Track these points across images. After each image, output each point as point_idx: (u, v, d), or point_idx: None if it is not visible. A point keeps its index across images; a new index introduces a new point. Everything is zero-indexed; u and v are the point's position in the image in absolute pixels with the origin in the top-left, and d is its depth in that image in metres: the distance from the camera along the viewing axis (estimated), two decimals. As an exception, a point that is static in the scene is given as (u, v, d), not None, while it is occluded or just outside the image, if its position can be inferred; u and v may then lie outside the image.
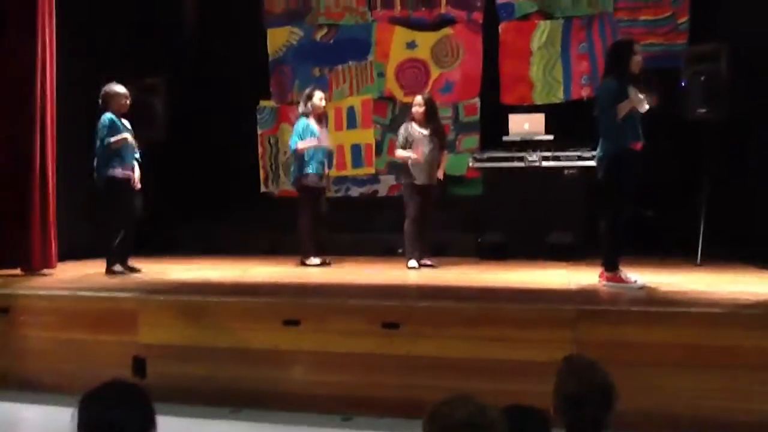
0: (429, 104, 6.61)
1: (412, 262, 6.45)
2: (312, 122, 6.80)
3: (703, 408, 3.82)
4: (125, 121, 6.21)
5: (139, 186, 6.16)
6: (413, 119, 6.59)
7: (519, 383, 3.84)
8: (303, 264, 6.70)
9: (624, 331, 4.00)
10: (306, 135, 6.75)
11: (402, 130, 6.62)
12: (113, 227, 6.06)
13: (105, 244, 6.11)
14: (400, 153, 6.56)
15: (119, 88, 6.17)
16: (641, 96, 4.95)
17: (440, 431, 1.79)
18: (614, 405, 2.28)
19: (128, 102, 6.21)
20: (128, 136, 6.07)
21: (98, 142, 5.98)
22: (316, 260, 6.70)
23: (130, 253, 6.25)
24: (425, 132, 6.52)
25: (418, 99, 6.64)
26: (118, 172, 5.99)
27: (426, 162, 6.47)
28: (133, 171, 6.12)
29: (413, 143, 6.48)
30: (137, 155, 6.23)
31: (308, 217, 6.71)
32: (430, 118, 6.58)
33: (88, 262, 6.93)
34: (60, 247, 6.21)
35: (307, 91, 7.02)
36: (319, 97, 6.85)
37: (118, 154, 6.00)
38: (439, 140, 6.63)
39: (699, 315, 4.07)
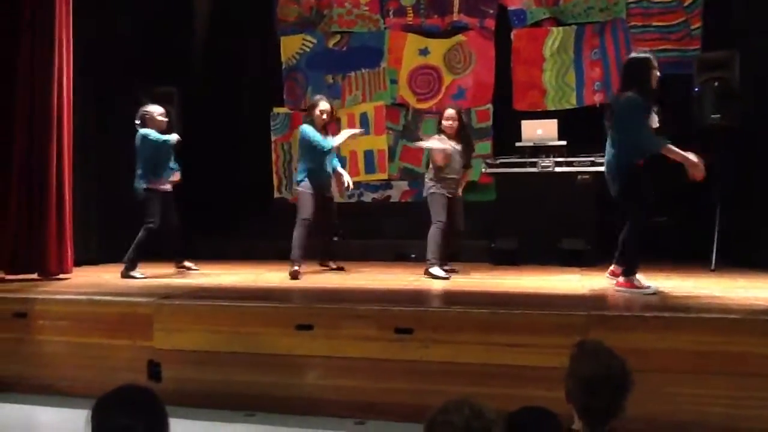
0: (461, 118, 6.45)
1: (438, 270, 6.11)
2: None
3: (713, 415, 3.82)
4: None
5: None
6: (443, 132, 6.32)
7: (531, 389, 3.85)
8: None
9: (636, 336, 3.99)
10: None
11: (438, 139, 6.32)
12: (143, 234, 6.37)
13: (132, 248, 6.38)
14: (427, 144, 6.36)
15: (155, 108, 6.58)
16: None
17: None
18: (630, 391, 2.25)
19: (164, 119, 6.61)
20: (171, 138, 6.50)
21: (139, 156, 6.40)
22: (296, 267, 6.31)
23: (185, 256, 6.83)
24: (458, 147, 6.29)
25: (452, 113, 6.38)
26: (154, 183, 6.40)
27: (455, 176, 6.29)
28: (168, 181, 6.59)
29: (450, 157, 6.22)
30: (173, 165, 6.69)
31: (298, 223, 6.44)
32: (460, 132, 6.37)
33: (103, 267, 7.01)
34: (76, 252, 6.29)
35: (313, 99, 6.77)
36: (319, 110, 6.45)
37: (154, 166, 6.41)
38: (466, 156, 6.47)
39: (712, 321, 4.06)
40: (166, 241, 6.66)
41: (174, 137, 6.56)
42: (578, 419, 2.29)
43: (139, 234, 6.36)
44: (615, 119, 5.09)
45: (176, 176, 6.82)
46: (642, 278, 5.13)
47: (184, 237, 6.87)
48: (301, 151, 6.58)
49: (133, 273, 6.22)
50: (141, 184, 6.37)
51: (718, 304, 4.53)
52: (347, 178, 6.70)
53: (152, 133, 6.41)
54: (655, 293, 4.96)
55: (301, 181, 6.46)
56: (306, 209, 6.38)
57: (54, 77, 6.00)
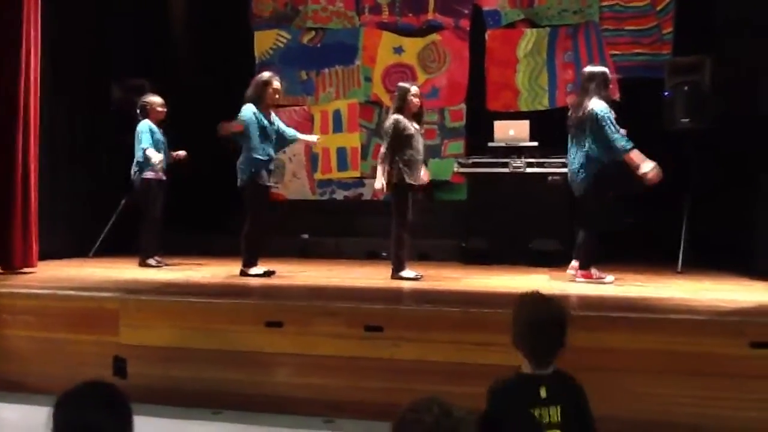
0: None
1: (410, 273, 5.88)
2: (259, 111, 6.02)
3: (679, 415, 3.85)
4: (159, 130, 6.84)
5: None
6: (401, 111, 5.82)
7: (500, 387, 3.85)
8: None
9: (603, 337, 4.02)
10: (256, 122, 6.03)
11: (395, 121, 5.75)
12: (147, 224, 6.71)
13: (142, 239, 6.78)
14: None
15: (156, 99, 6.83)
16: None
17: None
18: (567, 328, 2.59)
19: (164, 110, 6.86)
20: (160, 159, 6.67)
21: (138, 147, 6.67)
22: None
23: (160, 248, 6.88)
24: (417, 127, 5.89)
25: (417, 90, 5.92)
26: (150, 174, 6.67)
27: (421, 160, 5.88)
28: (162, 171, 6.82)
29: (408, 138, 5.73)
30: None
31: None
32: (419, 111, 5.98)
33: (69, 261, 6.92)
34: (41, 245, 6.18)
35: (263, 76, 6.10)
36: (273, 87, 6.01)
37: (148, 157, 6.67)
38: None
39: (679, 322, 4.10)
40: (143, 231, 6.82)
41: (158, 157, 6.67)
42: (526, 361, 2.58)
43: (144, 225, 6.72)
44: (588, 126, 5.46)
45: (180, 154, 7.07)
46: (596, 271, 5.63)
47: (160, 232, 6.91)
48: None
49: (149, 261, 6.67)
50: (140, 175, 6.67)
51: (684, 306, 4.58)
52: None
53: (144, 134, 6.68)
54: (612, 282, 5.54)
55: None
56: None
57: (21, 67, 5.88)
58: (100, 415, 1.97)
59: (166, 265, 6.77)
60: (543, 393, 2.49)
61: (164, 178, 6.84)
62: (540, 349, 2.54)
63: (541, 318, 2.55)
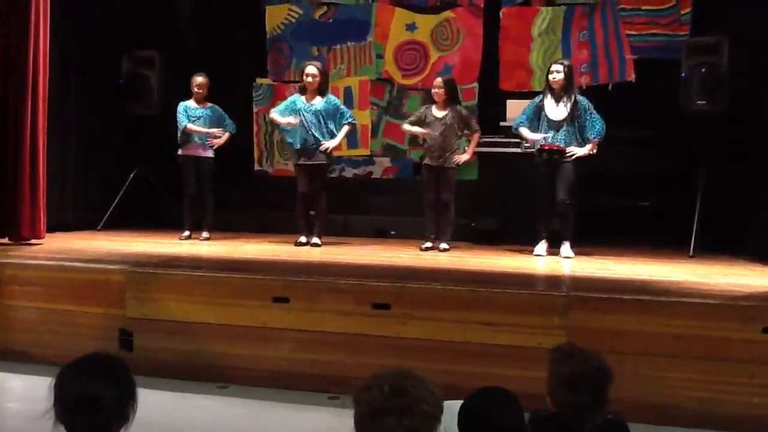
0: (448, 86, 6.54)
1: (426, 244, 6.48)
2: (302, 98, 6.65)
3: (689, 399, 3.83)
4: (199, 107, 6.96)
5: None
6: (434, 102, 6.58)
7: (508, 368, 3.84)
8: None
9: (614, 319, 3.99)
10: (285, 111, 6.66)
11: (422, 109, 6.72)
12: (183, 200, 6.87)
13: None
14: (407, 127, 6.71)
15: (196, 78, 6.89)
16: None
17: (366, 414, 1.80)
18: (610, 387, 2.28)
19: (198, 90, 6.87)
20: (185, 125, 6.81)
21: None
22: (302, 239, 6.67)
23: (191, 224, 6.88)
24: (440, 115, 6.50)
25: (438, 81, 6.59)
26: (180, 151, 6.85)
27: (436, 145, 6.45)
28: (198, 148, 6.88)
29: (428, 125, 6.49)
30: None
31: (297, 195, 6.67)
32: (449, 101, 6.52)
33: (77, 234, 6.91)
34: (49, 218, 6.17)
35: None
36: (305, 73, 6.64)
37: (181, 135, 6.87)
38: (458, 124, 6.55)
39: (690, 305, 4.06)
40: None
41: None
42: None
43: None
44: (584, 111, 6.05)
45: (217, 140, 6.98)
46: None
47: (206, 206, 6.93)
48: None
49: (182, 234, 6.77)
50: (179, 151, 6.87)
51: (696, 289, 4.53)
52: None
53: (178, 113, 6.85)
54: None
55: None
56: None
57: (30, 37, 5.84)
58: (101, 387, 1.94)
59: (205, 239, 6.79)
60: None
61: (203, 154, 6.88)
62: (582, 406, 2.24)
63: (580, 372, 2.25)
